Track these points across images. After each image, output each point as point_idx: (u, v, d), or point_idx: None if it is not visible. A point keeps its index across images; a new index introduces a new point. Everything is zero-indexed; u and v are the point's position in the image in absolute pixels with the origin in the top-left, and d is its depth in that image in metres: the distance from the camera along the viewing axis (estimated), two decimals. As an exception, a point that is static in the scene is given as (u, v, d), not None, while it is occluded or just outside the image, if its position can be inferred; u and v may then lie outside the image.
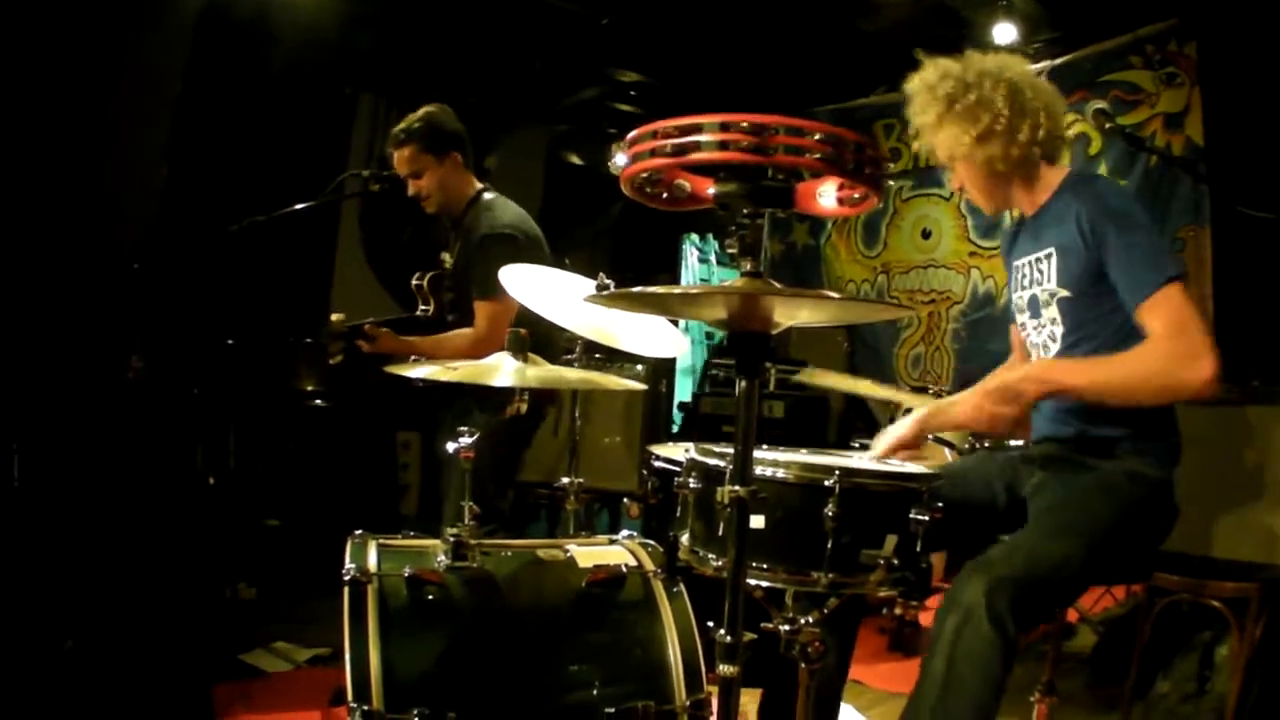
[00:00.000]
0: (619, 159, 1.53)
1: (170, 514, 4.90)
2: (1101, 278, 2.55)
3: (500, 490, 3.91)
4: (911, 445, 2.74)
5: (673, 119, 1.42)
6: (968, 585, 2.25)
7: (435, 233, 4.29)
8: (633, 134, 1.48)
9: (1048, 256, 2.69)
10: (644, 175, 1.57)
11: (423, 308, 4.10)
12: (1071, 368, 2.55)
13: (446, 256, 4.10)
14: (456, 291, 4.03)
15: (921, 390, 4.76)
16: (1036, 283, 2.76)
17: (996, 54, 2.74)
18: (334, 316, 3.86)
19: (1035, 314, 2.79)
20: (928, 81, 2.69)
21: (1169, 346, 2.36)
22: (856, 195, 1.59)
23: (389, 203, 4.07)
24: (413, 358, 3.51)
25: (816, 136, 1.41)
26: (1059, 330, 2.70)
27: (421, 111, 3.98)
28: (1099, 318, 2.59)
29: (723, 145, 1.39)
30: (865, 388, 4.34)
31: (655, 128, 1.44)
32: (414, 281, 4.12)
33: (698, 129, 1.40)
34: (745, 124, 1.37)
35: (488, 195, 4.05)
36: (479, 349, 3.72)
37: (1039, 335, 2.80)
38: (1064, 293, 2.65)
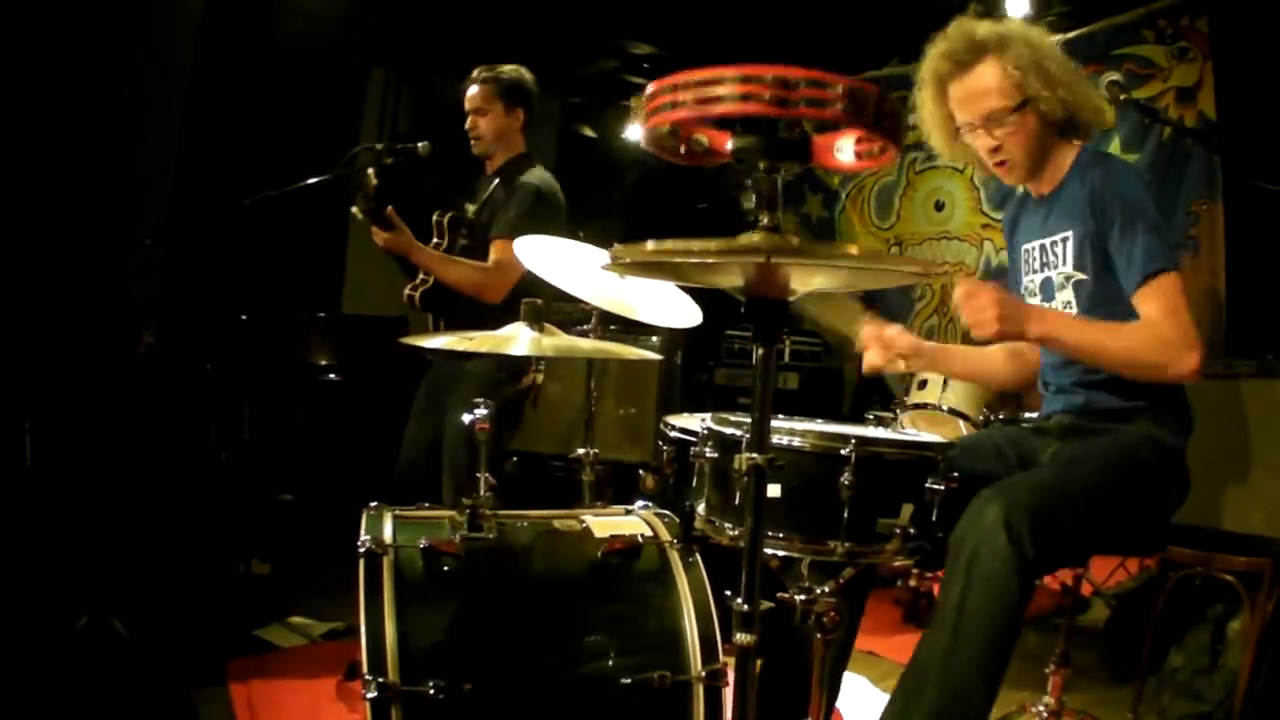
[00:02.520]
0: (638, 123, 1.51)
1: (183, 490, 4.93)
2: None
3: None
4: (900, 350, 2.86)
5: (694, 71, 1.41)
6: (985, 510, 2.24)
7: (457, 194, 4.29)
8: (653, 87, 1.47)
9: (1064, 240, 2.69)
10: (665, 129, 1.55)
11: (435, 240, 4.10)
12: (1072, 325, 2.55)
13: (470, 206, 4.16)
14: (472, 239, 4.06)
15: None
16: (1051, 266, 2.75)
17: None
18: (372, 175, 3.78)
19: (1049, 297, 2.78)
20: (991, 29, 2.64)
21: (1161, 332, 2.41)
22: (875, 148, 1.56)
23: (402, 176, 4.06)
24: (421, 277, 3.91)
25: (838, 89, 1.39)
26: (1074, 313, 2.70)
27: (511, 67, 4.14)
28: (1114, 298, 2.58)
29: (744, 98, 1.38)
30: None
31: (676, 80, 1.42)
32: (435, 217, 4.14)
33: (718, 81, 1.39)
34: (768, 76, 1.36)
35: (533, 163, 4.17)
36: (482, 282, 3.81)
37: None
38: (1080, 276, 2.65)
